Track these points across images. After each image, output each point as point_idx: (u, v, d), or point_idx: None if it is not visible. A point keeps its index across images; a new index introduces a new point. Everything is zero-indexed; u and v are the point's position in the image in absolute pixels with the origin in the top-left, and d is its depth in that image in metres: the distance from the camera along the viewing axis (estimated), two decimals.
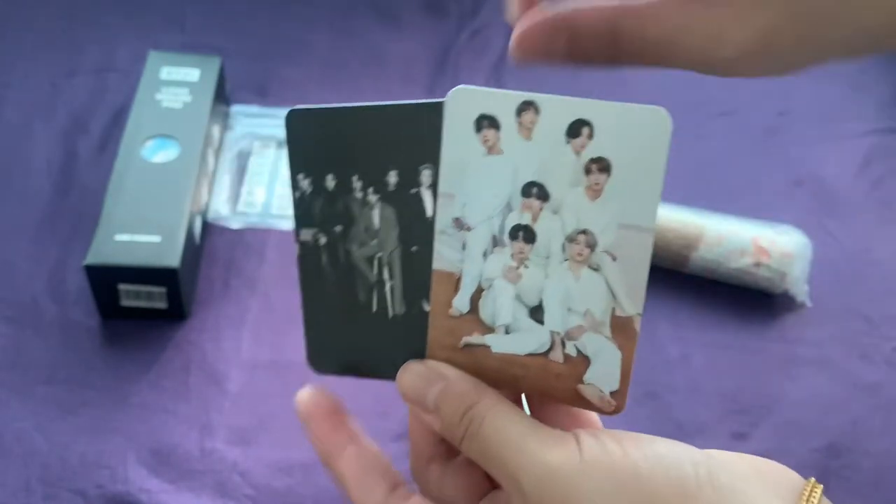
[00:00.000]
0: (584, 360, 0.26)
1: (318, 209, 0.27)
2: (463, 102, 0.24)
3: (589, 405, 0.27)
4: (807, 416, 0.63)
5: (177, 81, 0.74)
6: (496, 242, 0.25)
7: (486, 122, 0.25)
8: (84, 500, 0.56)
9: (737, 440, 0.61)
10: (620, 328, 0.26)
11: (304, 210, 0.27)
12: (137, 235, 0.63)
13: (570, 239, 0.25)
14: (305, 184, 0.28)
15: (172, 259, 0.62)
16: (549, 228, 0.25)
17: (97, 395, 0.61)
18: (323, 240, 0.28)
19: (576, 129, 0.25)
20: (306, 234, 0.28)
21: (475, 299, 0.26)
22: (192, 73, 0.75)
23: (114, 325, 0.65)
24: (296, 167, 0.27)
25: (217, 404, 0.61)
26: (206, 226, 0.72)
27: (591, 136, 0.24)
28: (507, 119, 0.25)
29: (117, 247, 0.62)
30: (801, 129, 0.83)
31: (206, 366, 0.63)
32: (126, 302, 0.64)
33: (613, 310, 0.26)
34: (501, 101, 0.25)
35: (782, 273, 0.67)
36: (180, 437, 0.59)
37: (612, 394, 0.27)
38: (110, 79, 0.83)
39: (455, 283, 0.26)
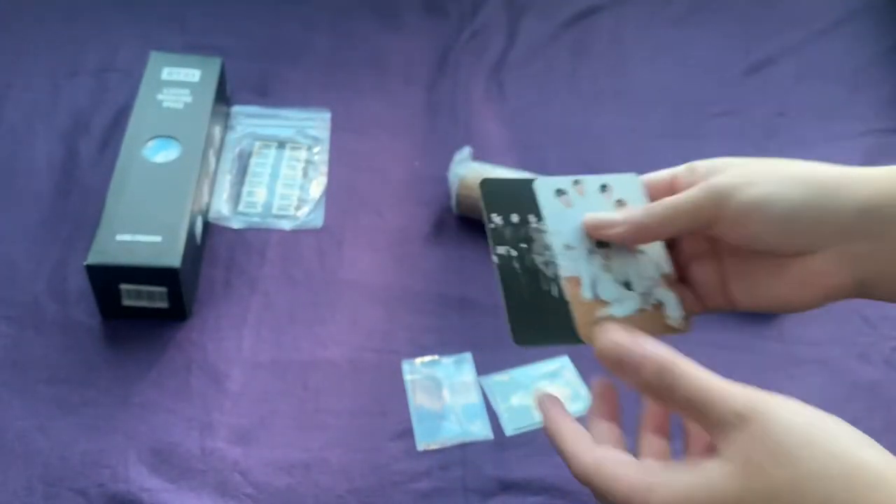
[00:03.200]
0: (660, 305, 0.42)
1: (508, 235, 0.42)
2: (543, 184, 0.43)
3: (675, 331, 0.42)
4: None
5: (178, 82, 0.74)
6: (590, 252, 0.42)
7: (560, 192, 0.43)
8: (85, 500, 0.56)
9: None
10: (669, 281, 0.42)
11: (498, 235, 0.41)
12: (139, 235, 0.63)
13: None
14: (498, 220, 0.42)
15: (173, 259, 0.62)
16: None
17: (98, 395, 0.62)
18: (514, 253, 0.41)
19: (604, 188, 0.44)
20: (502, 251, 0.41)
21: (595, 288, 0.41)
22: (193, 74, 0.75)
23: (115, 324, 0.65)
24: (490, 210, 0.42)
25: (218, 403, 0.62)
26: (207, 226, 0.72)
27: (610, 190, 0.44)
28: (570, 189, 0.44)
29: (118, 247, 0.62)
30: (800, 130, 0.83)
31: (208, 365, 0.64)
32: (127, 302, 0.64)
33: (661, 271, 0.42)
34: (563, 181, 0.44)
35: None
36: (181, 436, 0.60)
37: (683, 319, 0.42)
38: (111, 79, 0.83)
39: (578, 282, 0.41)
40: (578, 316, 0.40)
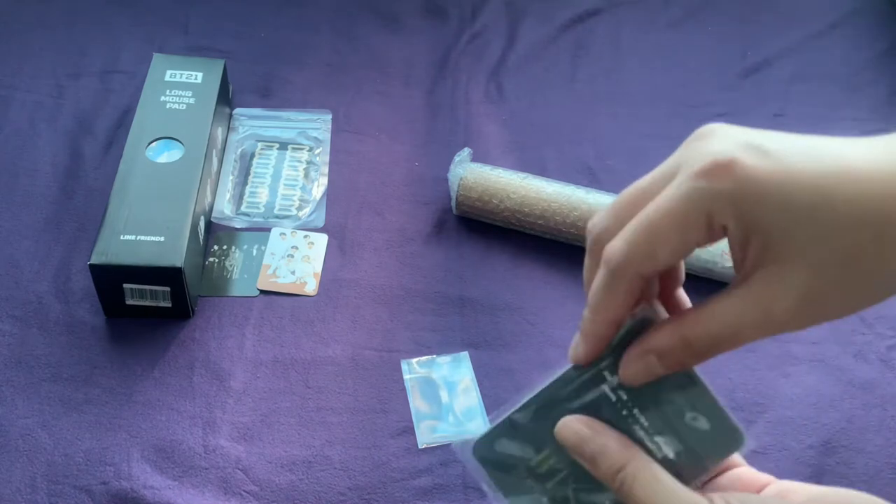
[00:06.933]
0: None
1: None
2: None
3: None
4: (802, 413, 0.63)
5: (181, 83, 0.75)
6: None
7: None
8: (88, 497, 0.57)
9: None
10: None
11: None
12: (142, 235, 0.64)
13: None
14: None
15: (176, 259, 0.63)
16: None
17: (102, 393, 0.62)
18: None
19: None
20: None
21: None
22: (196, 76, 0.76)
23: (118, 323, 0.66)
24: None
25: (220, 401, 0.62)
26: (210, 226, 0.73)
27: None
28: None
29: (122, 247, 0.63)
30: (798, 131, 0.83)
31: (210, 364, 0.64)
32: (131, 301, 0.65)
33: None
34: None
35: None
36: (184, 433, 0.60)
37: None
38: (115, 81, 0.84)
39: None
40: None
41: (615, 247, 0.32)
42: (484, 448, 0.38)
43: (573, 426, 0.36)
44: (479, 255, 0.73)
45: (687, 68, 0.90)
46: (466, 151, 0.75)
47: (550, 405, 0.37)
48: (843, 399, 0.64)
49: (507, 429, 0.38)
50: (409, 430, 0.61)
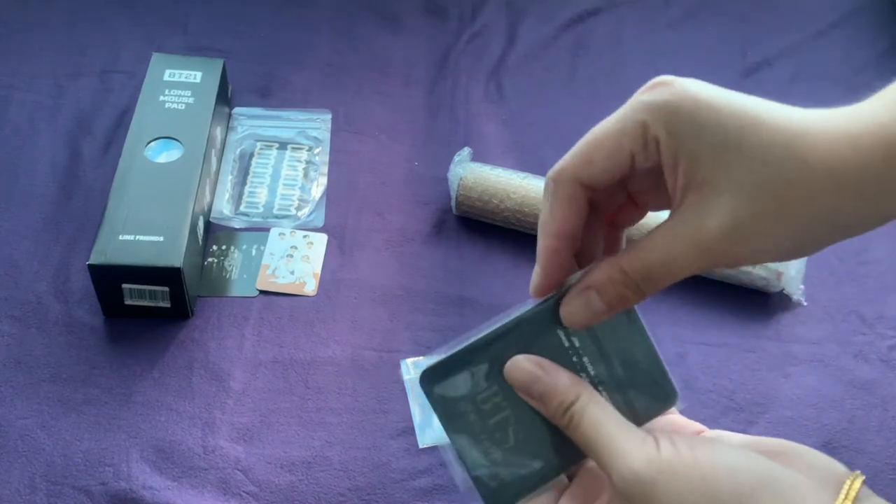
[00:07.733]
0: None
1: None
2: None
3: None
4: (802, 413, 0.63)
5: (180, 83, 0.75)
6: None
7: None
8: (87, 498, 0.57)
9: None
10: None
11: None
12: (141, 235, 0.64)
13: None
14: None
15: (175, 259, 0.63)
16: None
17: (101, 393, 0.62)
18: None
19: None
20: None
21: None
22: (195, 75, 0.76)
23: (117, 323, 0.66)
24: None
25: (220, 402, 0.62)
26: (209, 226, 0.73)
27: None
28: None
29: (121, 247, 0.63)
30: None
31: (210, 364, 0.64)
32: (130, 301, 0.64)
33: None
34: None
35: (778, 272, 0.68)
36: (183, 434, 0.60)
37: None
38: (114, 80, 0.84)
39: None
40: None
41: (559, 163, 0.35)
42: (432, 378, 0.38)
43: (523, 365, 0.37)
44: (479, 255, 0.72)
45: (687, 68, 0.89)
46: (466, 151, 0.75)
47: (503, 343, 0.38)
48: (843, 399, 0.64)
49: (457, 362, 0.38)
50: (409, 431, 0.61)
